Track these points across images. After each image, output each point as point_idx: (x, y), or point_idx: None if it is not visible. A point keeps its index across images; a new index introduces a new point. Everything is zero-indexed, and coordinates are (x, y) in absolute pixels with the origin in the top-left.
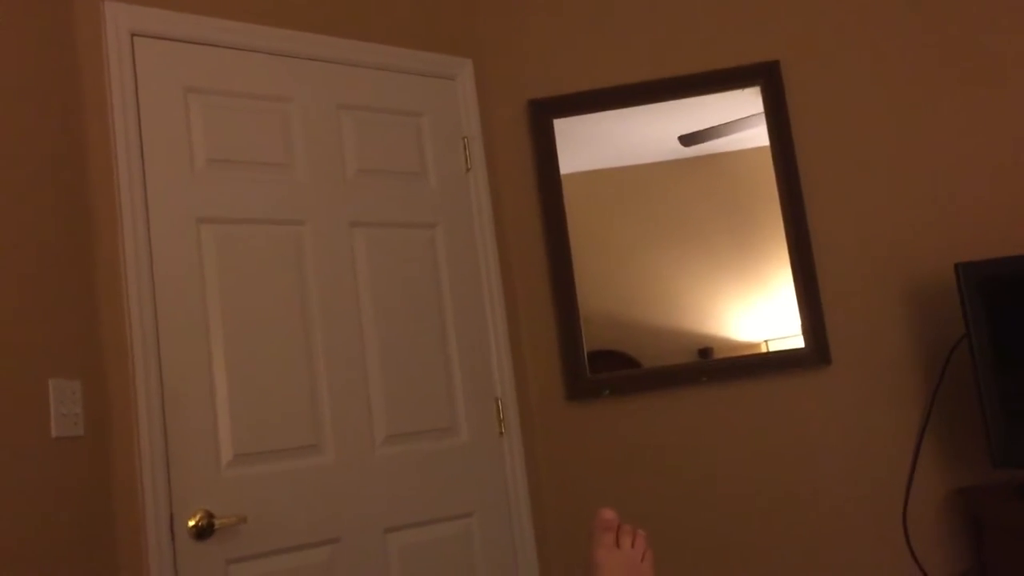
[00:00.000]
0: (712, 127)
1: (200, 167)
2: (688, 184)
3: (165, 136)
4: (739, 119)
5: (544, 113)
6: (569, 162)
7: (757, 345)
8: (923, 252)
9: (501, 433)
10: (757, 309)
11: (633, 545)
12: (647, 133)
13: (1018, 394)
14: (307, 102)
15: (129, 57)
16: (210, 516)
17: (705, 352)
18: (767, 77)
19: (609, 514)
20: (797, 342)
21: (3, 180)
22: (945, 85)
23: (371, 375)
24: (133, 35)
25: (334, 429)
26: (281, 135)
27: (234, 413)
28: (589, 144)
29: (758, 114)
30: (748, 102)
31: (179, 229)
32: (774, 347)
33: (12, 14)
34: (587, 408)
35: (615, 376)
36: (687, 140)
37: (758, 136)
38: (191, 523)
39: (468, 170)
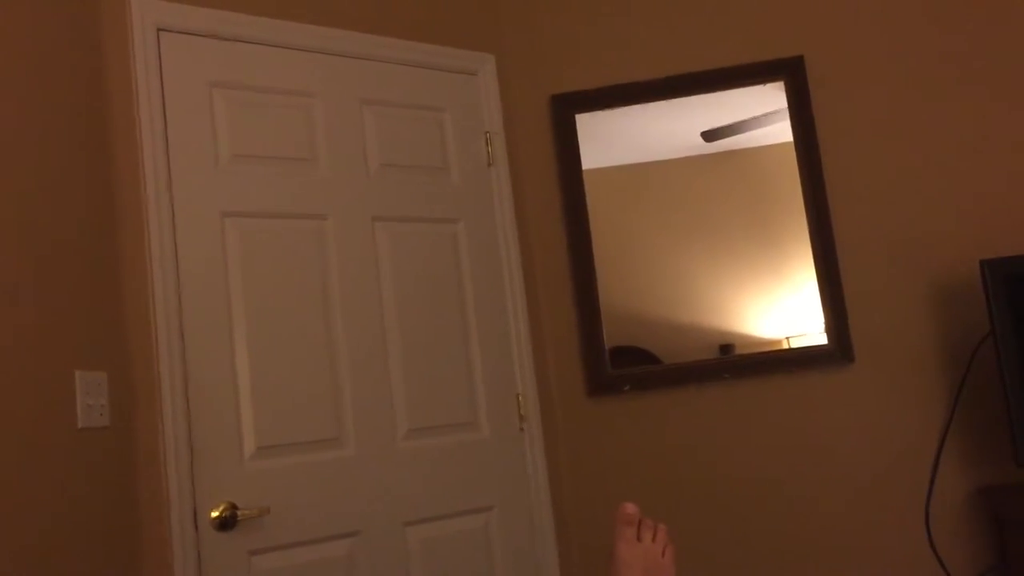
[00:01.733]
0: (735, 123)
1: (224, 161)
2: (710, 180)
3: (190, 130)
4: (762, 115)
5: (566, 108)
6: (591, 158)
7: (779, 342)
8: (948, 249)
9: (522, 428)
10: (779, 306)
11: (654, 539)
12: (669, 129)
13: None
14: (330, 97)
15: (155, 52)
16: (233, 508)
17: (726, 349)
18: (791, 72)
19: (631, 508)
20: (820, 339)
21: (30, 174)
22: (971, 80)
23: (393, 369)
24: (159, 30)
25: (356, 422)
26: (304, 130)
27: (257, 405)
28: (611, 140)
29: (781, 110)
30: (771, 97)
31: (204, 223)
32: (796, 344)
33: (39, 9)
34: (608, 404)
35: (636, 372)
36: (710, 136)
37: (781, 132)
38: (214, 514)
39: (490, 165)
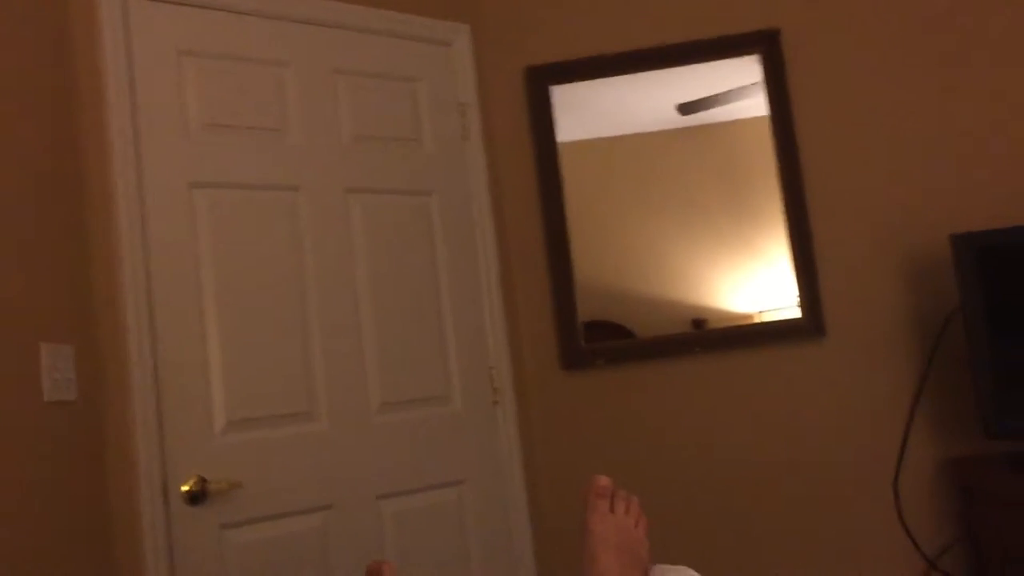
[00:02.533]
0: (711, 96)
1: (194, 131)
2: (685, 153)
3: (159, 100)
4: (738, 88)
5: (541, 80)
6: (567, 130)
7: (751, 316)
8: (919, 223)
9: (495, 402)
10: (752, 280)
11: (627, 511)
12: (645, 101)
13: (1011, 365)
14: (303, 66)
15: (122, 19)
16: (203, 481)
17: (699, 323)
18: (767, 45)
19: (604, 480)
20: (792, 313)
21: None
22: (944, 56)
23: (365, 342)
24: None
25: (328, 396)
26: (276, 99)
27: (228, 378)
28: (587, 112)
29: (758, 83)
30: (748, 71)
31: (173, 193)
32: (768, 318)
33: None
34: (581, 377)
35: (609, 346)
36: (685, 109)
37: (757, 106)
38: (184, 488)
39: (464, 137)
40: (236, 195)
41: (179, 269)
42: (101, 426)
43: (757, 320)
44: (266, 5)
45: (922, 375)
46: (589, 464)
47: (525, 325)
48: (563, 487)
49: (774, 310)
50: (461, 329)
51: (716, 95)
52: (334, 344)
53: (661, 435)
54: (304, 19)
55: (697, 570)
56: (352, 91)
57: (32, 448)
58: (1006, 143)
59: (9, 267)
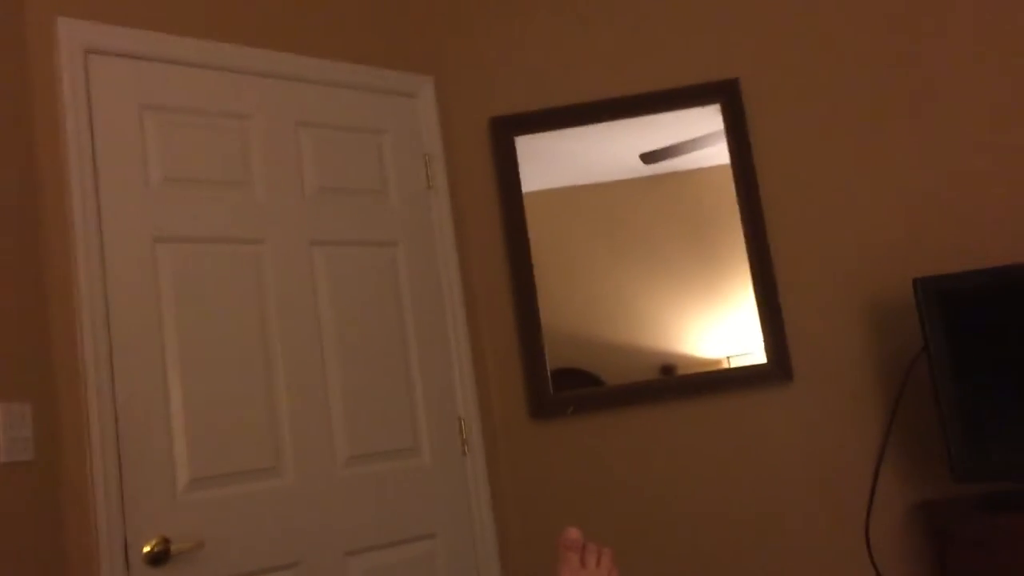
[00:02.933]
0: (673, 145)
1: (156, 185)
2: (650, 202)
3: (120, 154)
4: (700, 137)
5: (506, 131)
6: (531, 180)
7: (719, 362)
8: (883, 268)
9: (464, 453)
10: (719, 326)
11: (598, 564)
12: (609, 151)
13: (977, 408)
14: (266, 119)
15: (83, 74)
16: (166, 542)
17: (668, 369)
18: (727, 95)
19: (574, 533)
20: (759, 358)
21: None
22: (903, 102)
23: (332, 396)
24: (87, 52)
25: (294, 451)
26: (239, 153)
27: (191, 435)
28: (551, 162)
29: (719, 132)
30: (710, 120)
31: (134, 248)
32: (736, 364)
33: None
34: (550, 427)
35: (578, 394)
36: (649, 158)
37: (719, 154)
38: (146, 549)
39: (429, 188)
40: (199, 249)
41: (141, 324)
42: (59, 486)
43: (725, 365)
44: (228, 59)
45: (889, 418)
46: (560, 514)
47: (493, 375)
48: (534, 538)
49: (742, 355)
50: (428, 380)
51: (678, 144)
52: (300, 398)
53: (632, 483)
54: (266, 72)
55: None
56: (316, 143)
57: None
58: (966, 187)
59: None
